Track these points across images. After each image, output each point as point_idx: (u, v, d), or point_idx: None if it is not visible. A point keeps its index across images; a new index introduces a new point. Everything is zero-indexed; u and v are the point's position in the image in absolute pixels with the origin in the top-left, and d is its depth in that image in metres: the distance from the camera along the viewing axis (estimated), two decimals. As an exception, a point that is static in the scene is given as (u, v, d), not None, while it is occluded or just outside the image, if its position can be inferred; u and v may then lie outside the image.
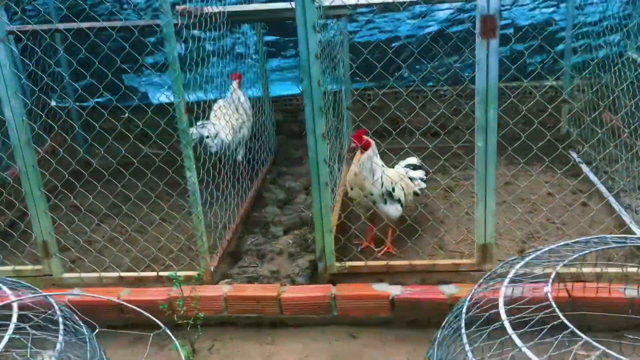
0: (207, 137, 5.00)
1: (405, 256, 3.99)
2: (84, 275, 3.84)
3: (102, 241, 4.18)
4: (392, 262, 3.58)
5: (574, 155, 5.34)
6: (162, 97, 6.15)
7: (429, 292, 3.43)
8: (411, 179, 4.40)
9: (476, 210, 3.42)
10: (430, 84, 6.21)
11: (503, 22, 6.06)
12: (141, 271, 3.85)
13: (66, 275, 3.86)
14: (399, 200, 4.09)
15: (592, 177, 4.85)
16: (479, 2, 3.03)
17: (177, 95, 3.34)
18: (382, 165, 4.00)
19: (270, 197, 4.94)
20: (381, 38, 6.12)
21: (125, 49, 3.73)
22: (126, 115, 3.96)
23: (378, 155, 3.96)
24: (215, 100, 5.06)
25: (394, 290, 3.46)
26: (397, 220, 4.10)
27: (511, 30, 6.02)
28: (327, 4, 3.61)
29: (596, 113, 5.06)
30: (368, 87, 6.25)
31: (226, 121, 4.90)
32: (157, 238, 4.34)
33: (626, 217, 4.21)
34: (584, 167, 5.01)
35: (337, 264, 3.62)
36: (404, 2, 3.45)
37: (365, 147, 3.86)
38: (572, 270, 2.69)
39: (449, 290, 3.43)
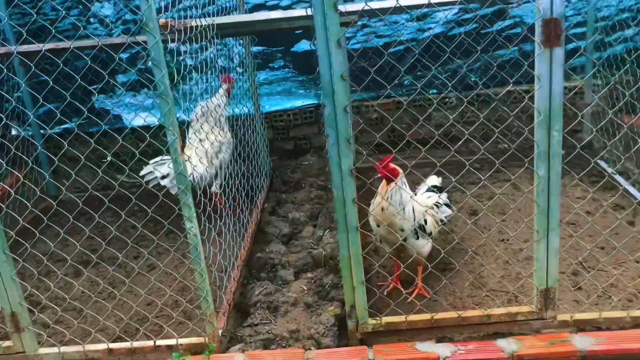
0: (164, 177, 4.38)
1: (440, 298, 3.43)
2: (64, 349, 3.17)
3: (85, 308, 3.53)
4: (438, 316, 3.01)
5: (604, 165, 4.86)
6: (138, 119, 5.52)
7: (485, 351, 2.87)
8: (436, 205, 3.84)
9: (536, 250, 2.88)
10: (434, 91, 5.68)
11: (511, 21, 5.59)
12: (134, 340, 3.20)
13: (42, 350, 3.18)
14: (430, 233, 3.54)
15: (632, 190, 4.36)
16: (540, 4, 2.49)
17: (170, 132, 2.71)
18: (412, 196, 3.44)
19: (272, 232, 4.33)
20: (379, 43, 5.57)
21: (94, 67, 3.09)
22: (118, 142, 3.23)
23: (406, 183, 3.40)
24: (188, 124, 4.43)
25: (444, 351, 2.89)
26: (428, 255, 3.55)
27: (519, 30, 5.54)
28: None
29: (608, 116, 4.60)
30: (366, 98, 5.72)
31: (204, 150, 4.25)
32: (148, 292, 3.72)
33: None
34: (621, 180, 4.52)
35: (372, 321, 3.04)
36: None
37: (393, 177, 3.30)
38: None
39: (509, 346, 2.88)
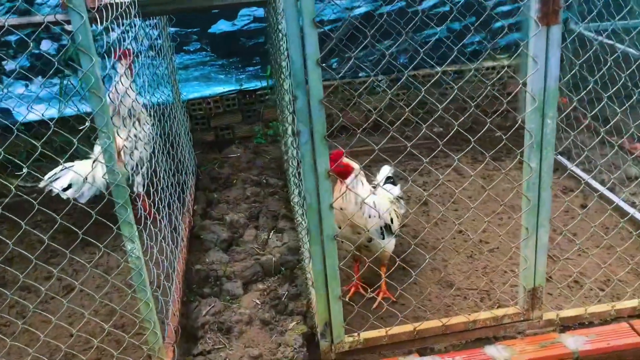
0: (66, 188, 3.81)
1: (406, 302, 3.14)
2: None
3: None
4: (421, 327, 2.71)
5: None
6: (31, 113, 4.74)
7: (476, 362, 2.63)
8: (397, 199, 3.52)
9: (523, 248, 2.66)
10: (363, 74, 5.38)
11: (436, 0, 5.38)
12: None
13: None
14: (394, 231, 3.22)
15: (577, 171, 4.30)
16: (538, -24, 2.22)
17: (104, 135, 2.17)
18: (373, 190, 3.08)
19: (210, 239, 3.83)
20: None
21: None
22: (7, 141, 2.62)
23: (364, 178, 3.03)
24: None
25: (432, 366, 2.61)
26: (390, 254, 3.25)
27: (447, 8, 5.36)
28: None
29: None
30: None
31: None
32: (69, 320, 3.15)
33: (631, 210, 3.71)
34: (563, 160, 4.45)
35: (349, 339, 2.69)
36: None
37: (345, 173, 2.91)
38: None
39: (499, 354, 2.65)
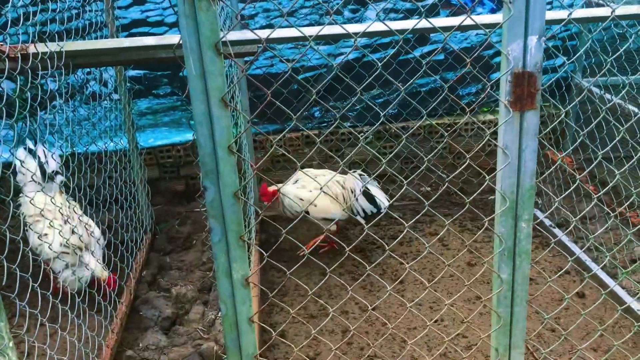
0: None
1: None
2: None
3: None
4: None
5: (538, 213, 4.31)
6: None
7: None
8: None
9: (494, 372, 2.17)
10: (348, 124, 4.96)
11: (431, 47, 4.98)
12: None
13: None
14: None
15: (574, 248, 3.79)
16: (509, 52, 1.78)
17: None
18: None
19: (150, 316, 3.37)
20: (283, 69, 4.76)
21: None
22: None
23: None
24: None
25: None
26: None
27: (441, 57, 4.95)
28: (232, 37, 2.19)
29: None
30: (270, 132, 4.90)
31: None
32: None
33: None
34: (559, 233, 3.96)
35: None
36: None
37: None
38: None
39: None
